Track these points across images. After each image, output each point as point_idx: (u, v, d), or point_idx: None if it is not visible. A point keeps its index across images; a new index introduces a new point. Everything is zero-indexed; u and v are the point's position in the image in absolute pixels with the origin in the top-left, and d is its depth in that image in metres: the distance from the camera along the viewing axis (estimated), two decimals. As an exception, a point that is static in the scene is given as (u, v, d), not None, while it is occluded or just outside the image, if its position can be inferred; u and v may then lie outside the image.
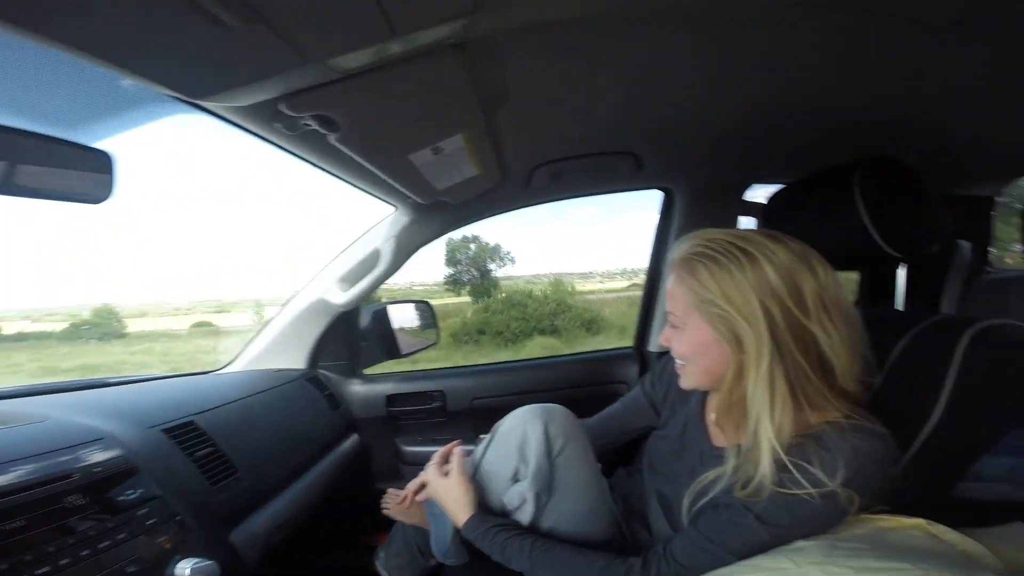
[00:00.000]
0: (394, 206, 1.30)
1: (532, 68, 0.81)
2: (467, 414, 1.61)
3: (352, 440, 1.51)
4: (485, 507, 0.90)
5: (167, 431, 0.93)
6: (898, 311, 1.20)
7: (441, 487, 0.92)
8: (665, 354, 0.92)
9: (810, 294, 0.66)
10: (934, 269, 1.24)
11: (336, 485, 1.37)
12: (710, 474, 0.72)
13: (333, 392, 1.54)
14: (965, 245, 1.68)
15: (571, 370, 1.66)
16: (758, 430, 0.66)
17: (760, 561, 0.62)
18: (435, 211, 1.30)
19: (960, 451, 0.75)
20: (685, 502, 0.74)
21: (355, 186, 1.12)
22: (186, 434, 0.95)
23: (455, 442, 1.01)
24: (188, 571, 0.72)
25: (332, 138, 0.74)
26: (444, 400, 1.60)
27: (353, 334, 1.62)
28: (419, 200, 1.15)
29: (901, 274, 1.19)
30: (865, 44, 0.77)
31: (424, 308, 1.78)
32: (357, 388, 1.61)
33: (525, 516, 0.85)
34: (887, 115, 1.03)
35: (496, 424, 0.96)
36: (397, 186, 1.04)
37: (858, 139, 1.04)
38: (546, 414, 0.90)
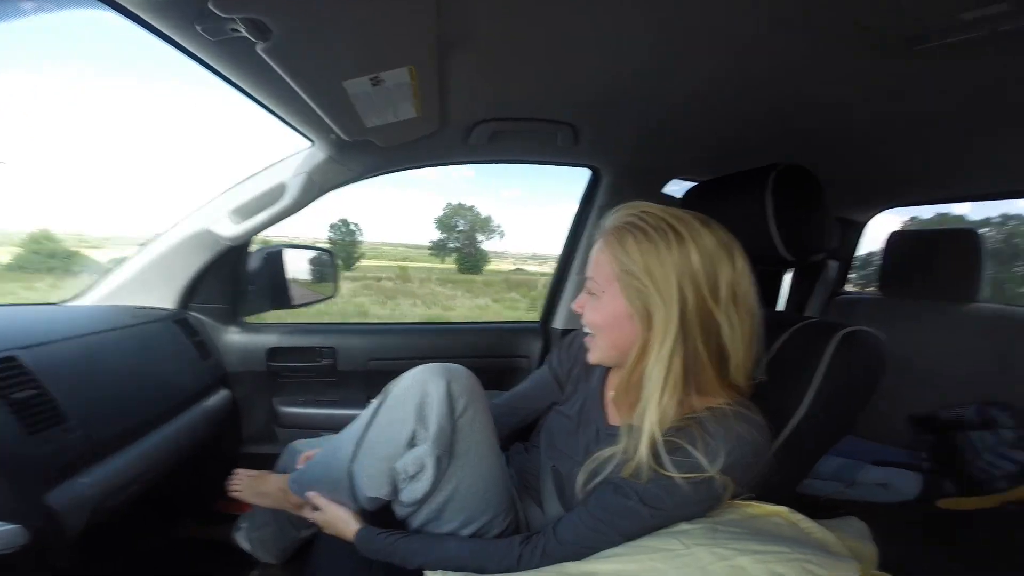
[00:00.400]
0: (311, 140, 1.13)
1: (501, 15, 0.74)
2: (360, 376, 1.51)
3: (222, 395, 1.34)
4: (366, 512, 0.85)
5: None
6: (779, 312, 1.33)
7: (321, 520, 0.87)
8: (570, 332, 0.92)
9: (724, 284, 0.67)
10: (809, 281, 1.40)
11: (197, 446, 1.21)
12: (603, 452, 0.72)
13: (204, 339, 1.34)
14: (833, 264, 1.94)
15: (475, 338, 1.63)
16: (645, 411, 0.67)
17: (650, 542, 0.64)
18: (357, 151, 1.16)
19: (813, 447, 0.82)
20: (579, 480, 0.73)
21: (271, 112, 0.96)
22: (2, 371, 0.77)
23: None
24: None
25: (260, 47, 0.62)
26: (335, 358, 1.48)
27: (238, 276, 1.42)
28: (342, 136, 1.01)
29: (787, 279, 1.33)
30: (807, 66, 0.84)
31: (325, 258, 1.62)
32: (234, 337, 1.43)
33: (423, 484, 0.77)
34: (805, 129, 1.13)
35: (388, 384, 0.86)
36: (322, 115, 0.90)
37: (772, 149, 1.13)
38: (448, 372, 0.82)
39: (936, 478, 1.40)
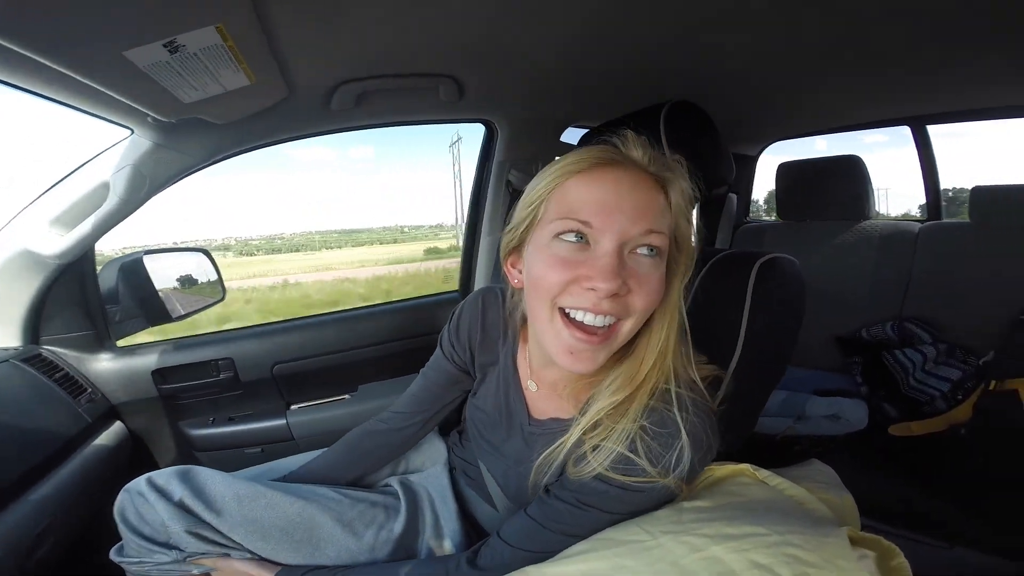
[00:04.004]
0: (129, 128, 0.93)
1: None
2: (268, 383, 1.37)
3: (115, 430, 1.19)
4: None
5: None
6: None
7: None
8: (460, 307, 0.82)
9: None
10: (713, 215, 1.43)
11: (103, 488, 1.06)
12: (544, 459, 0.63)
13: (70, 373, 1.15)
14: (732, 197, 2.01)
15: (390, 320, 1.51)
16: (644, 378, 0.57)
17: (613, 534, 0.58)
18: (189, 133, 0.97)
19: (759, 384, 0.83)
20: (530, 492, 0.65)
21: (64, 104, 0.77)
22: None
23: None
24: None
25: None
26: (234, 369, 1.33)
27: (89, 296, 1.21)
28: (158, 117, 0.83)
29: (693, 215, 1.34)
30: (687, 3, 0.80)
31: (201, 258, 1.43)
32: (107, 364, 1.24)
33: None
34: (692, 68, 1.11)
35: None
36: (119, 98, 0.72)
37: (663, 88, 1.09)
38: None
39: (877, 402, 1.47)
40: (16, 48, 0.53)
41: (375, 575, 0.71)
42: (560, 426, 0.64)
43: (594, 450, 0.57)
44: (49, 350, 1.16)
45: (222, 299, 1.47)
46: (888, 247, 1.65)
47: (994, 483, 1.16)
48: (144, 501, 0.73)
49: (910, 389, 1.43)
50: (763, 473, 0.64)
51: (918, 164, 1.83)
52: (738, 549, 0.49)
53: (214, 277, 1.45)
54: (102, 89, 0.68)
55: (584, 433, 0.59)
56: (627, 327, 0.55)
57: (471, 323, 0.79)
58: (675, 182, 0.56)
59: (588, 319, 0.54)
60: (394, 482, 0.89)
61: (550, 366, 0.66)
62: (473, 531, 0.84)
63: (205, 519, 0.72)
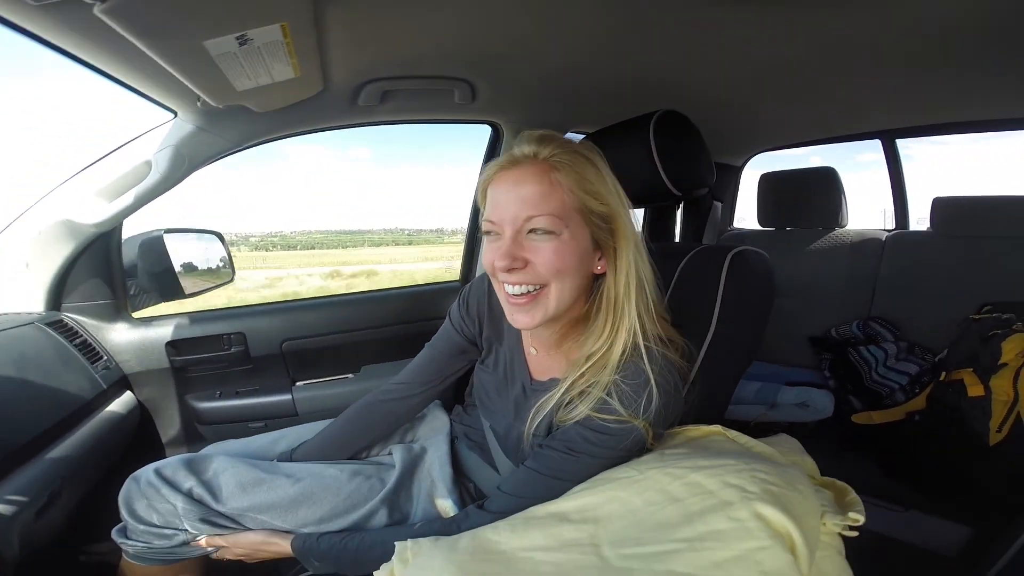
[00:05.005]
0: (172, 112, 1.02)
1: None
2: (277, 359, 1.44)
3: (124, 400, 1.23)
4: None
5: None
6: (677, 242, 1.44)
7: (243, 552, 0.83)
8: (467, 288, 0.93)
9: (625, 200, 0.70)
10: (698, 222, 1.55)
11: (110, 457, 1.12)
12: (538, 405, 0.73)
13: (88, 340, 1.21)
14: (718, 205, 2.14)
15: (394, 305, 1.60)
16: (619, 326, 0.67)
17: (606, 475, 0.66)
18: (229, 119, 1.06)
19: (731, 362, 0.90)
20: (525, 440, 0.74)
21: (124, 85, 0.85)
22: None
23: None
24: None
25: (98, 8, 0.55)
26: (246, 344, 1.40)
27: (113, 267, 1.27)
28: (210, 102, 0.92)
29: (677, 216, 1.45)
30: (673, 15, 0.91)
31: (213, 240, 1.50)
32: (124, 335, 1.29)
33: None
34: (680, 82, 1.23)
35: None
36: (184, 81, 0.81)
37: (654, 99, 1.18)
38: None
39: (843, 394, 1.61)
40: (121, 31, 0.62)
41: (387, 536, 0.74)
42: (556, 384, 0.73)
43: (580, 395, 0.68)
44: (70, 317, 1.22)
45: (231, 280, 1.54)
46: (858, 253, 1.78)
47: (939, 457, 1.31)
48: (155, 492, 0.80)
49: (873, 383, 1.56)
50: (733, 433, 0.74)
51: (887, 176, 1.97)
52: (713, 474, 0.58)
53: (226, 259, 1.52)
54: (172, 71, 0.77)
55: (571, 383, 0.69)
56: (553, 290, 0.67)
57: (479, 300, 0.89)
58: (563, 166, 0.66)
59: (509, 288, 0.68)
60: (396, 449, 0.96)
61: (539, 331, 0.78)
62: (469, 497, 0.90)
63: (214, 507, 0.80)
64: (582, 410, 0.67)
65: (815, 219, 1.86)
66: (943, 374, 1.37)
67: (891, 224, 2.03)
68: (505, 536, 0.60)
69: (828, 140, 2.04)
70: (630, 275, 0.68)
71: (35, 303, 1.18)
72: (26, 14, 0.62)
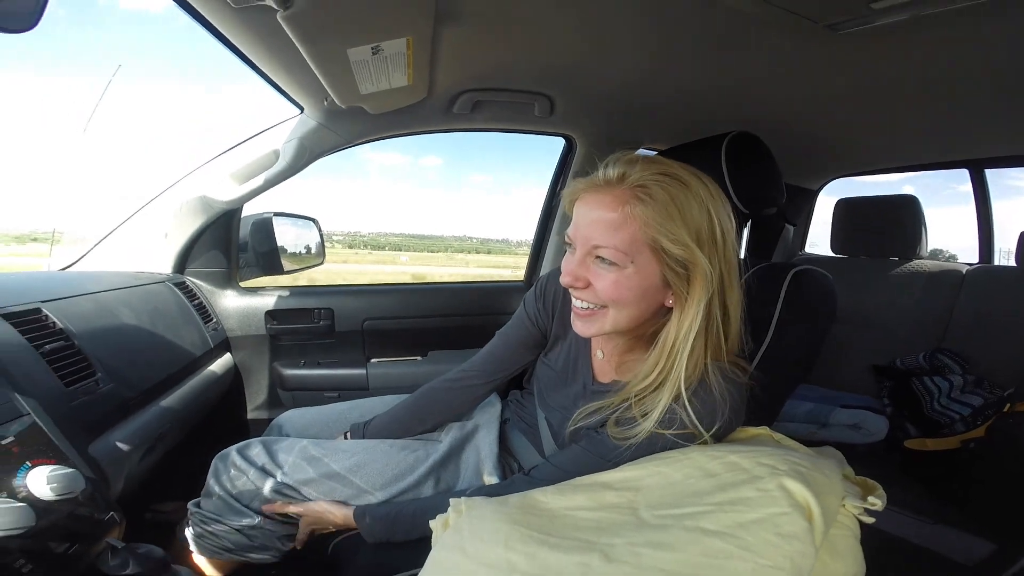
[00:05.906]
0: (300, 108, 1.19)
1: None
2: (357, 336, 1.59)
3: (224, 361, 1.39)
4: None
5: (7, 316, 0.77)
6: (743, 258, 1.47)
7: (307, 517, 0.90)
8: (545, 277, 0.95)
9: (727, 234, 0.66)
10: (767, 243, 1.54)
11: (206, 413, 1.25)
12: (592, 406, 0.75)
13: (203, 302, 1.40)
14: (790, 228, 2.10)
15: (464, 297, 1.73)
16: (669, 371, 0.67)
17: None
18: (347, 118, 1.23)
19: (782, 378, 0.90)
20: (568, 429, 0.78)
21: (268, 80, 1.02)
22: (31, 323, 0.80)
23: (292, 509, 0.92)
24: (46, 478, 0.59)
25: (281, 15, 0.69)
26: (333, 319, 1.56)
27: (231, 241, 1.47)
28: (336, 101, 1.08)
29: (744, 234, 1.47)
30: (750, 44, 0.95)
31: (312, 226, 1.69)
32: (232, 301, 1.49)
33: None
34: (755, 102, 1.27)
35: None
36: (323, 82, 0.97)
37: (730, 117, 1.24)
38: None
39: (900, 420, 1.54)
40: (290, 33, 0.75)
41: (440, 500, 0.77)
42: (618, 387, 0.75)
43: (643, 416, 0.69)
44: (192, 280, 1.42)
45: (322, 263, 1.73)
46: (934, 285, 1.69)
47: (990, 484, 1.25)
48: (239, 473, 0.90)
49: (933, 412, 1.48)
50: (778, 436, 0.77)
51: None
52: (749, 455, 0.63)
53: (319, 243, 1.71)
54: (316, 72, 0.92)
55: (631, 398, 0.71)
56: (611, 313, 0.69)
57: (556, 292, 0.90)
58: (646, 197, 0.64)
59: (574, 302, 0.72)
60: (450, 427, 1.01)
61: (605, 339, 0.80)
62: (513, 474, 0.93)
63: (284, 481, 0.89)
64: (645, 427, 0.68)
65: (891, 248, 1.78)
66: (1007, 405, 1.32)
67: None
68: (551, 497, 0.67)
69: (910, 168, 1.97)
70: (693, 324, 0.66)
71: (166, 266, 1.38)
72: (222, 14, 0.76)
